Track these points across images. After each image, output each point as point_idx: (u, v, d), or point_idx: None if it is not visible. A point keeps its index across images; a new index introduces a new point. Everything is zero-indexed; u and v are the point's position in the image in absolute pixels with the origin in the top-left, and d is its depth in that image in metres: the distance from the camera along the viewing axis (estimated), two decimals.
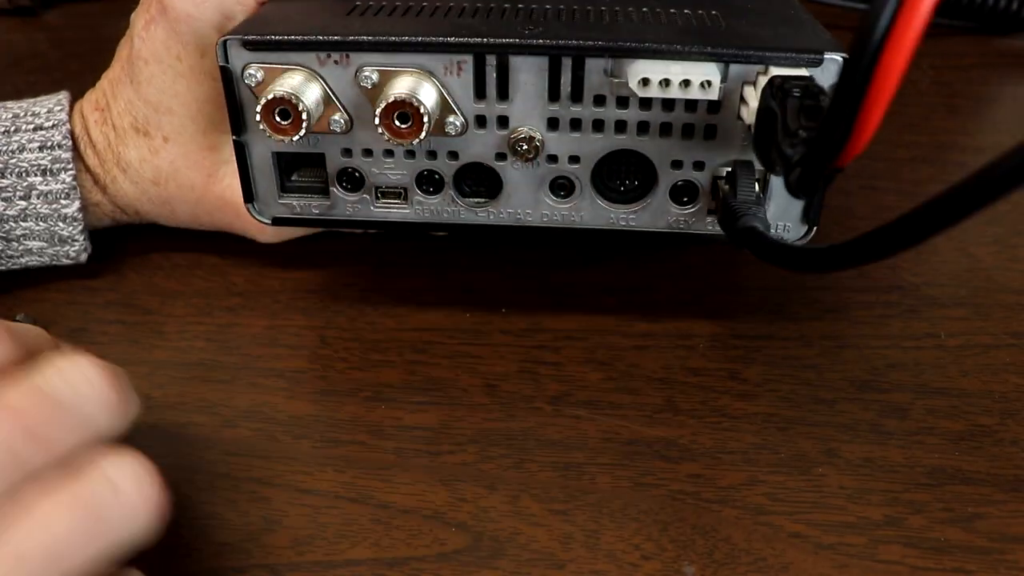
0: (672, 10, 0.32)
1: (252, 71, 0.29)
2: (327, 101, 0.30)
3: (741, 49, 0.28)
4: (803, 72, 0.28)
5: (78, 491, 0.19)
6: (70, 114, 0.36)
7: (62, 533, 0.18)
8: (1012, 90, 0.56)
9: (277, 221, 0.33)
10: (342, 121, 0.30)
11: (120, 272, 0.39)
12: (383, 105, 0.28)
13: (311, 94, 0.29)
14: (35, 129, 0.36)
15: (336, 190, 0.32)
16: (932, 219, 0.19)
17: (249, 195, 0.33)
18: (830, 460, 0.30)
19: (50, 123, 0.36)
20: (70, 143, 0.36)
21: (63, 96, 0.37)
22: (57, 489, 0.19)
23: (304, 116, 0.28)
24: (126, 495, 0.19)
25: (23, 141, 0.35)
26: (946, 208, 0.18)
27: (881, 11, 0.20)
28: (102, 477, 0.19)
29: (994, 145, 0.49)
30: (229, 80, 0.30)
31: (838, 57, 0.28)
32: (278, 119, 0.29)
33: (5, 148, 0.35)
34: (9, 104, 0.37)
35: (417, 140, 0.29)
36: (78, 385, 0.20)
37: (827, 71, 0.28)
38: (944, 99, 0.54)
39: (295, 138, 0.29)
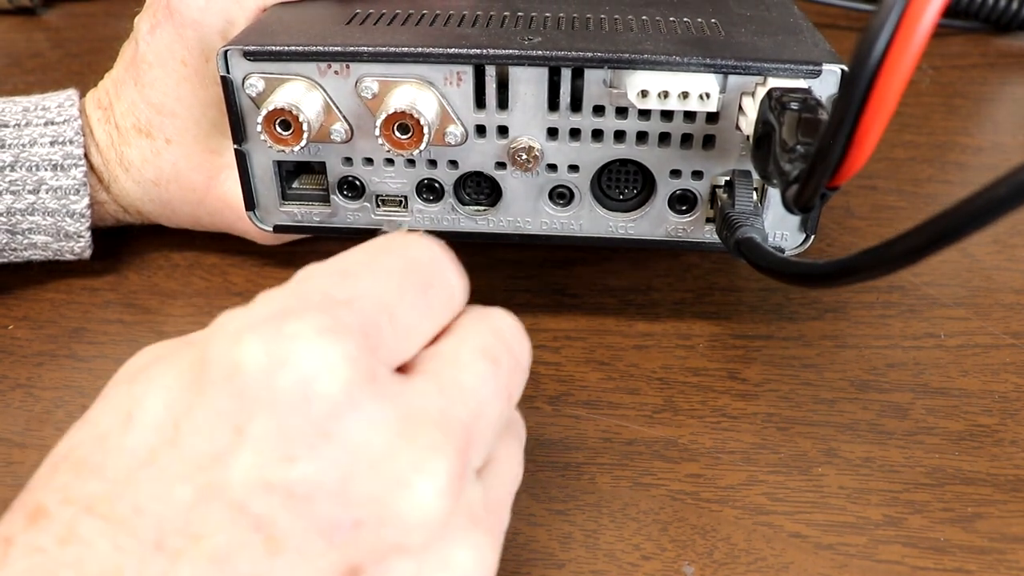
0: (672, 18, 0.32)
1: (253, 81, 0.29)
2: (328, 111, 0.30)
3: (739, 60, 0.28)
4: (801, 84, 0.28)
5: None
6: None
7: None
8: (1012, 90, 0.56)
9: (279, 229, 0.34)
10: (343, 131, 0.30)
11: (120, 272, 0.39)
12: (383, 116, 0.28)
13: (312, 105, 0.29)
14: (46, 124, 0.36)
15: (337, 198, 0.32)
16: (933, 238, 0.19)
17: (251, 203, 0.33)
18: (830, 460, 0.30)
19: (61, 118, 0.36)
20: (82, 139, 0.36)
21: (72, 92, 0.37)
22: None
23: (305, 127, 0.28)
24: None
25: (35, 135, 0.35)
26: (948, 227, 0.18)
27: (881, 27, 0.20)
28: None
29: (994, 145, 0.49)
30: (230, 90, 0.30)
31: (836, 69, 0.28)
32: (279, 130, 0.29)
33: (16, 142, 0.35)
34: (17, 98, 0.37)
35: (417, 150, 0.29)
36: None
37: (825, 83, 0.28)
38: (944, 99, 0.54)
39: (296, 148, 0.29)
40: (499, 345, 0.21)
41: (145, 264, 0.40)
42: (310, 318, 0.19)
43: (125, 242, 0.40)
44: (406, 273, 0.21)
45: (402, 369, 0.21)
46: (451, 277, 0.22)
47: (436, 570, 0.19)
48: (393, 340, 0.20)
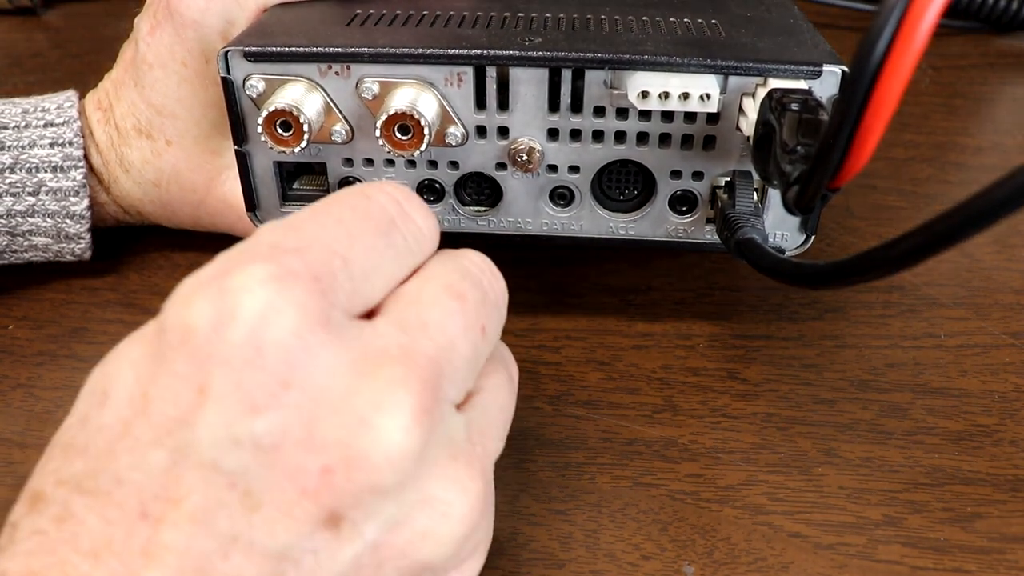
0: (672, 19, 0.32)
1: (253, 82, 0.29)
2: (328, 112, 0.30)
3: (740, 61, 0.28)
4: (802, 84, 0.28)
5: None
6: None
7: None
8: (1012, 90, 0.56)
9: None
10: (343, 131, 0.30)
11: (120, 272, 0.39)
12: (384, 117, 0.28)
13: (312, 105, 0.29)
14: (46, 125, 0.36)
15: None
16: (934, 240, 0.19)
17: (251, 204, 0.33)
18: (830, 460, 0.30)
19: (61, 120, 0.36)
20: (81, 140, 0.36)
21: (71, 93, 0.37)
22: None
23: (305, 128, 0.28)
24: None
25: (34, 137, 0.35)
26: (948, 229, 0.18)
27: (882, 28, 0.20)
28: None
29: (994, 145, 0.49)
30: (230, 91, 0.30)
31: (837, 69, 0.28)
32: (279, 131, 0.29)
33: (16, 144, 0.35)
34: (17, 100, 0.37)
35: (418, 151, 0.29)
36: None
37: (826, 83, 0.28)
38: (944, 99, 0.54)
39: (296, 149, 0.29)
40: (464, 281, 0.21)
41: (145, 264, 0.40)
42: (254, 269, 0.19)
43: (125, 242, 0.40)
44: (362, 217, 0.21)
45: (371, 314, 0.21)
46: (417, 218, 0.22)
47: (418, 508, 0.19)
48: (349, 283, 0.20)
